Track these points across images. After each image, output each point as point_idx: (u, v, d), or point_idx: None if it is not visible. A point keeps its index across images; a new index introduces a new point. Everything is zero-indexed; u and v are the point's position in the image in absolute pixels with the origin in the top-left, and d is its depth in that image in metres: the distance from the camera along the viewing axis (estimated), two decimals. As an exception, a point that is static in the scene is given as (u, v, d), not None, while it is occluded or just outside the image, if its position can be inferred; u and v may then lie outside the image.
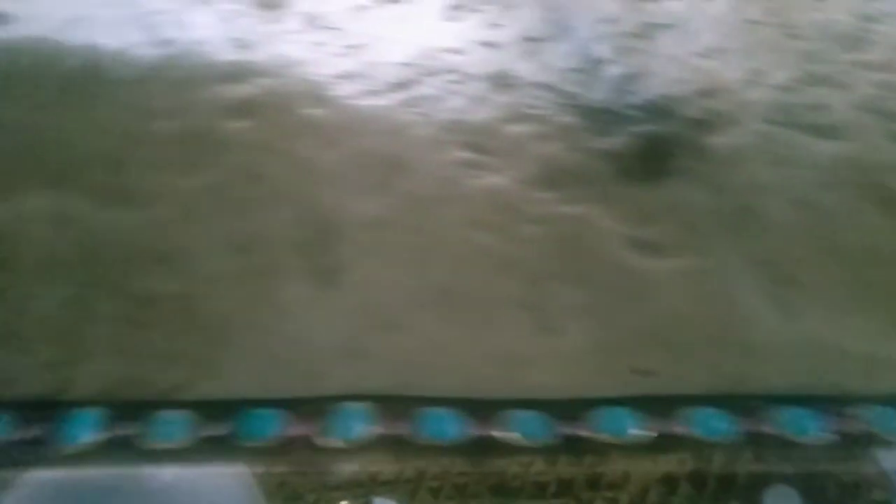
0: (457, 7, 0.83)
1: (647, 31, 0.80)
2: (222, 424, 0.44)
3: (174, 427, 0.43)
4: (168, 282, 0.55)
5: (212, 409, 0.45)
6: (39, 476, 0.45)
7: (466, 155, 0.65)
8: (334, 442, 0.43)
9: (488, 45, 0.77)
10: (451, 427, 0.42)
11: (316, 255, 0.57)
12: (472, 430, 0.43)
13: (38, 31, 0.76)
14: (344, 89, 0.71)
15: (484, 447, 0.42)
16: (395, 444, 0.43)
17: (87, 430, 0.43)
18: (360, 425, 0.43)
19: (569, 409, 0.46)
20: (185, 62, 0.73)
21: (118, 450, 0.43)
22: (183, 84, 0.71)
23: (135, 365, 0.50)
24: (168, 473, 0.41)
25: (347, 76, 0.73)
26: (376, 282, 0.55)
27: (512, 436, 0.42)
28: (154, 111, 0.69)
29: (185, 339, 0.52)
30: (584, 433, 0.46)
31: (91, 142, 0.66)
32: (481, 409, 0.44)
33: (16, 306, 0.53)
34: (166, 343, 0.52)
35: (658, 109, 0.71)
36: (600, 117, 0.67)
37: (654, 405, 0.48)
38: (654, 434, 0.46)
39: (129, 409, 0.45)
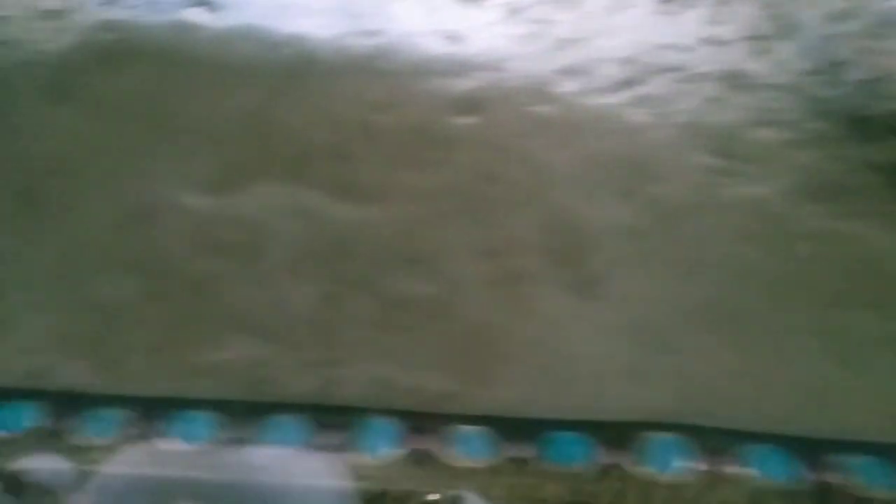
0: (670, 1, 0.79)
1: (885, 29, 0.74)
2: (524, 445, 0.41)
3: (474, 444, 0.41)
4: (420, 284, 0.53)
5: (504, 426, 0.43)
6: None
7: (714, 161, 0.60)
8: (656, 475, 0.39)
9: (712, 42, 0.72)
10: (783, 467, 0.38)
11: (569, 263, 0.54)
12: (806, 473, 0.39)
13: (247, 19, 0.75)
14: (568, 86, 0.68)
15: (825, 496, 0.38)
16: (726, 484, 0.39)
17: (384, 442, 0.42)
18: (676, 458, 0.40)
19: None
20: (399, 54, 0.71)
21: (416, 465, 0.41)
22: (400, 76, 0.69)
23: (398, 370, 0.49)
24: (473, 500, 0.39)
25: (568, 72, 0.69)
26: (640, 296, 0.52)
27: (856, 485, 0.38)
28: (374, 104, 0.67)
29: (447, 345, 0.50)
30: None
31: (317, 133, 0.65)
32: (808, 449, 0.40)
33: (275, 300, 0.51)
34: (427, 348, 0.49)
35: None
36: (859, 125, 0.62)
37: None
38: None
39: (419, 419, 0.43)
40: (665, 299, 0.51)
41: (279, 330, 0.50)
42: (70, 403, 0.46)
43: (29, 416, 0.44)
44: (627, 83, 0.69)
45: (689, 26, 0.76)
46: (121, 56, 0.71)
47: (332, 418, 0.45)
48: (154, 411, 0.45)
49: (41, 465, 0.42)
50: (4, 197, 0.57)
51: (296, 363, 0.49)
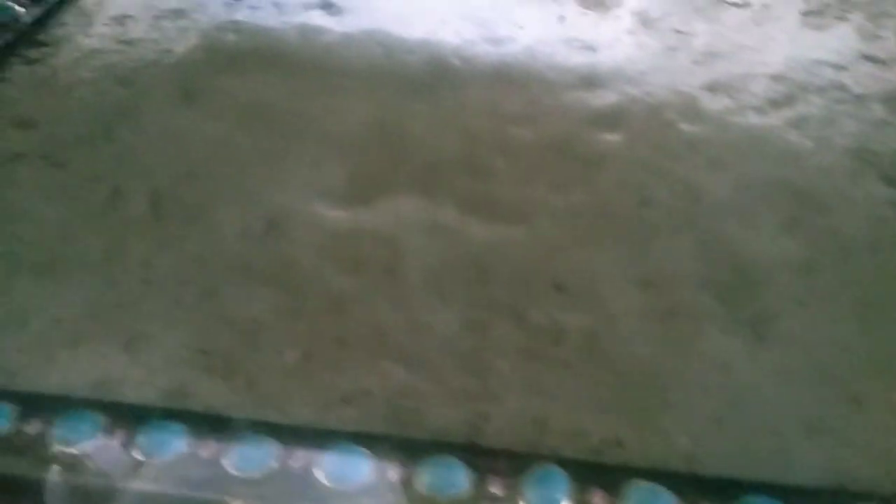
0: (818, 13, 0.73)
1: None
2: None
3: (655, 500, 0.37)
4: (570, 314, 0.49)
5: (682, 482, 0.38)
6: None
7: (890, 192, 0.55)
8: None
9: (872, 59, 0.66)
10: None
11: (736, 299, 0.49)
12: None
13: (372, 24, 0.73)
14: (717, 103, 0.63)
15: None
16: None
17: (551, 494, 0.38)
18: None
19: None
20: (533, 64, 0.67)
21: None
22: (536, 87, 0.65)
23: (555, 409, 0.45)
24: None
25: (716, 88, 0.64)
26: (819, 339, 0.47)
27: None
28: (508, 116, 0.63)
29: (607, 385, 0.45)
30: None
31: (449, 145, 0.61)
32: None
33: (415, 324, 0.48)
34: (585, 387, 0.45)
35: None
36: None
37: None
38: None
39: (585, 469, 0.39)
40: (847, 344, 0.46)
41: (422, 357, 0.47)
42: (213, 427, 0.44)
43: (175, 440, 0.42)
44: (782, 103, 0.63)
45: (842, 41, 0.70)
46: (246, 59, 0.69)
47: (488, 462, 0.41)
48: (301, 442, 0.42)
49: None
50: (135, 201, 0.56)
51: (442, 394, 0.45)
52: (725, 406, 0.44)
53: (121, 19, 0.75)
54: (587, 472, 0.39)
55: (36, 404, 0.44)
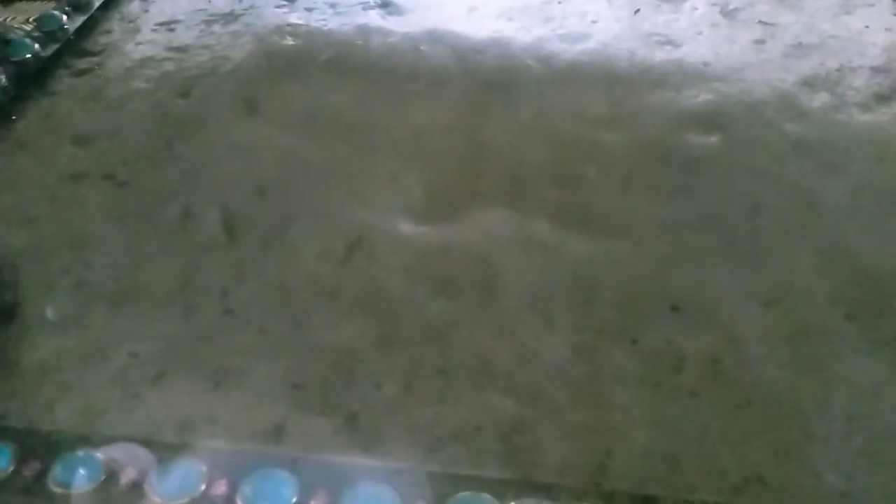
0: (912, -2, 0.69)
1: None
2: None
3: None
4: (690, 337, 0.45)
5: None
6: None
7: None
8: None
9: (979, 47, 0.62)
10: None
11: (869, 317, 0.45)
12: None
13: (433, 23, 0.69)
14: (817, 99, 0.59)
15: None
16: None
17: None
18: None
19: None
20: (612, 62, 0.63)
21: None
22: (618, 88, 0.61)
23: (684, 444, 0.41)
24: None
25: (813, 83, 0.60)
26: (968, 362, 0.43)
27: None
28: (594, 119, 0.59)
29: (740, 416, 0.41)
30: None
31: (533, 152, 0.57)
32: None
33: (521, 351, 0.45)
34: (716, 419, 0.42)
35: None
36: None
37: None
38: None
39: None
40: None
41: (532, 387, 0.44)
42: (319, 472, 0.40)
43: (282, 488, 0.39)
44: (887, 97, 0.59)
45: (944, 28, 0.66)
46: (307, 64, 0.65)
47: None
48: (417, 487, 0.39)
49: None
50: (208, 223, 0.52)
51: (559, 429, 0.42)
52: (876, 438, 0.40)
53: (169, 25, 0.72)
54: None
55: (125, 450, 0.41)
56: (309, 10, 0.70)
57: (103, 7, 0.75)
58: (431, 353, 0.46)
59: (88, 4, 0.75)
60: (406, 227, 0.53)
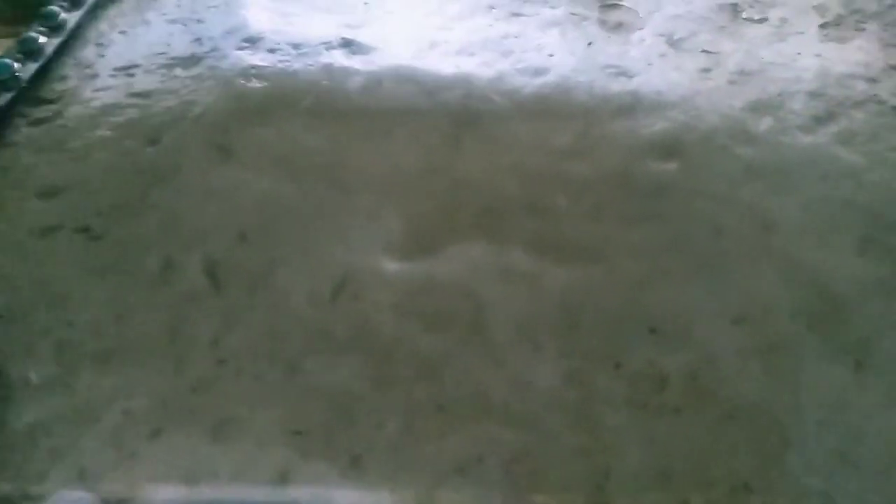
0: (835, 25, 0.74)
1: None
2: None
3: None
4: (669, 357, 0.48)
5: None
6: None
7: (952, 205, 0.56)
8: None
9: (899, 69, 0.68)
10: None
11: (829, 328, 0.49)
12: None
13: (398, 61, 0.70)
14: (763, 123, 0.63)
15: None
16: None
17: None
18: None
19: None
20: (572, 94, 0.66)
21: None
22: (580, 119, 0.64)
23: (676, 457, 0.43)
24: None
25: (757, 108, 0.64)
26: (920, 363, 0.47)
27: None
28: (560, 150, 0.62)
29: (723, 428, 0.44)
30: None
31: (505, 185, 0.59)
32: None
33: (515, 380, 0.46)
34: (702, 432, 0.44)
35: None
36: None
37: None
38: None
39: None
40: (951, 366, 0.46)
41: (528, 415, 0.45)
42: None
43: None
44: (824, 119, 0.64)
45: (866, 53, 0.71)
46: (277, 106, 0.65)
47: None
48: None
49: None
50: (190, 272, 0.52)
51: (557, 454, 0.44)
52: (846, 439, 0.44)
53: (128, 70, 0.71)
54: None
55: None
56: (272, 51, 0.71)
57: (57, 53, 0.73)
58: (428, 390, 0.48)
59: (41, 51, 0.73)
60: (390, 265, 0.54)
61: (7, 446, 0.44)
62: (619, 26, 0.76)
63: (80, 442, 0.44)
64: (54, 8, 0.78)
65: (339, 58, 0.70)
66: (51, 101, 0.69)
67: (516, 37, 0.74)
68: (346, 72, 0.69)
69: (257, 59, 0.70)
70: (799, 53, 0.71)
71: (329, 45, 0.72)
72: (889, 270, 0.52)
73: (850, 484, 0.42)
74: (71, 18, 0.79)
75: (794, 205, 0.56)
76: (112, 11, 0.81)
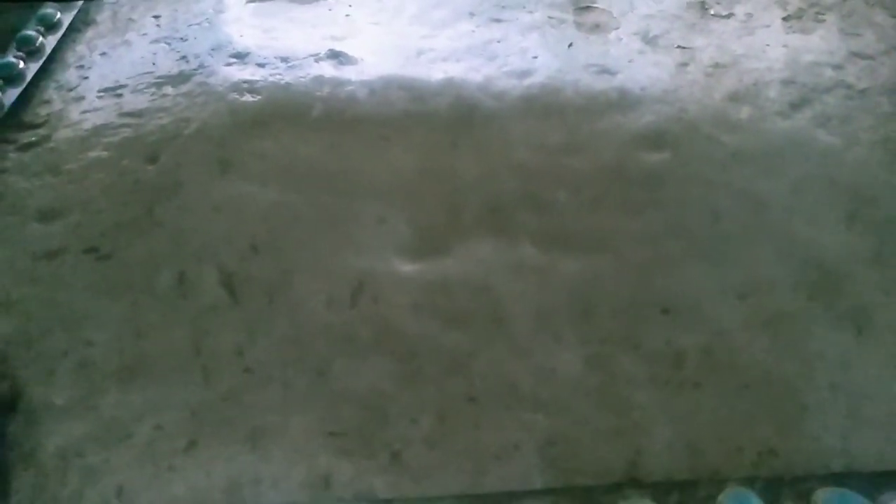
0: (797, 17, 0.78)
1: None
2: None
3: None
4: (684, 335, 0.50)
5: (860, 483, 0.40)
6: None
7: (926, 177, 0.60)
8: None
9: (861, 56, 0.72)
10: None
11: (828, 296, 0.52)
12: None
13: (387, 70, 0.72)
14: (743, 112, 0.66)
15: None
16: None
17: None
18: None
19: None
20: (560, 93, 0.69)
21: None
22: (571, 116, 0.66)
23: (701, 430, 0.45)
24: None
25: (736, 98, 0.68)
26: (913, 324, 0.50)
27: None
28: (555, 147, 0.64)
29: (742, 398, 0.47)
30: None
31: (505, 183, 0.61)
32: None
33: (540, 369, 0.48)
34: (720, 404, 0.46)
35: None
36: None
37: None
38: None
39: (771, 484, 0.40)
40: (941, 325, 0.50)
41: (557, 401, 0.47)
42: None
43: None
44: (799, 104, 0.68)
45: (829, 41, 0.75)
46: (273, 118, 0.66)
47: (661, 495, 0.41)
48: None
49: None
50: (206, 285, 0.52)
51: (590, 436, 0.45)
52: (855, 399, 0.46)
53: (115, 91, 0.70)
54: (772, 488, 0.41)
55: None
56: (261, 65, 0.71)
57: (37, 77, 0.72)
58: (457, 384, 0.49)
59: (21, 76, 0.72)
60: (404, 267, 0.55)
61: (38, 469, 0.43)
62: (596, 27, 0.79)
63: (113, 460, 0.44)
64: (31, 32, 0.78)
65: (328, 69, 0.71)
66: (36, 126, 0.68)
67: (499, 41, 0.76)
68: (337, 82, 0.69)
69: (247, 73, 0.70)
70: (767, 45, 0.75)
71: (317, 57, 0.72)
72: (873, 241, 0.55)
73: (865, 440, 0.44)
74: (48, 42, 0.78)
75: (782, 186, 0.59)
76: (89, 34, 0.80)
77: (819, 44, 0.76)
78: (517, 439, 0.45)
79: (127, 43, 0.78)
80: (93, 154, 0.63)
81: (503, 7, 0.82)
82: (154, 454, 0.44)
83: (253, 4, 0.83)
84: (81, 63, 0.76)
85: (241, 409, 0.46)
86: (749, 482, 0.41)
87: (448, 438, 0.45)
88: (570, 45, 0.76)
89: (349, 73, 0.72)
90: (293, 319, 0.51)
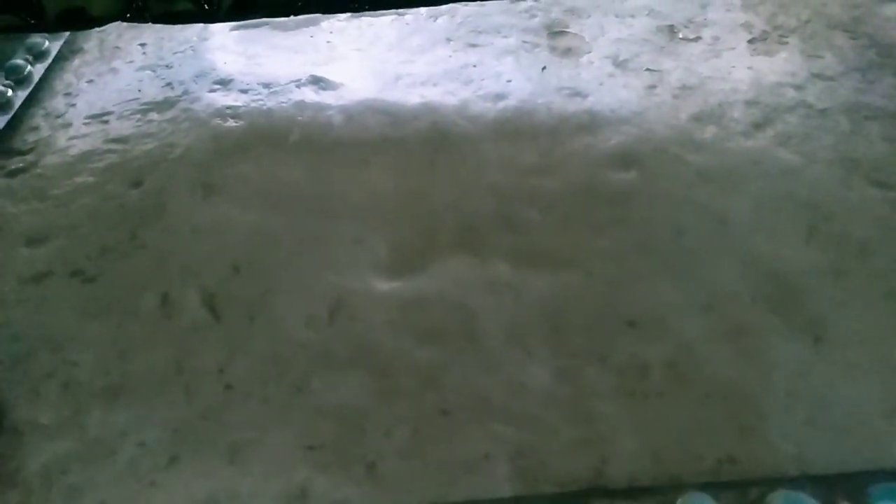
0: (762, 40, 0.81)
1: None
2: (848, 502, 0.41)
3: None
4: (648, 347, 0.52)
5: (818, 485, 0.42)
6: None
7: (881, 193, 0.62)
8: None
9: (821, 77, 0.75)
10: None
11: (787, 309, 0.54)
12: None
13: (366, 94, 0.74)
14: (708, 132, 0.68)
15: None
16: None
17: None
18: None
19: None
20: (532, 115, 0.71)
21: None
22: (543, 138, 0.68)
23: (663, 439, 0.47)
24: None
25: (701, 118, 0.70)
26: (868, 333, 0.52)
27: None
28: (527, 168, 0.66)
29: (703, 408, 0.48)
30: None
31: (479, 204, 0.63)
32: None
33: (510, 383, 0.50)
34: (682, 414, 0.48)
35: None
36: None
37: None
38: None
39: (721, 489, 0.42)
40: (890, 332, 0.52)
41: (526, 413, 0.49)
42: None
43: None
44: (761, 124, 0.70)
45: (791, 63, 0.78)
46: (254, 143, 0.68)
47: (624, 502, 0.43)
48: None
49: None
50: (189, 306, 0.54)
51: (558, 446, 0.47)
52: (812, 407, 0.48)
53: (101, 117, 0.73)
54: (728, 493, 0.43)
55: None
56: (244, 91, 0.73)
57: (26, 105, 0.74)
58: (431, 398, 0.50)
59: (9, 103, 0.74)
60: (380, 285, 0.57)
61: (22, 487, 0.45)
62: (568, 51, 0.82)
63: (96, 477, 0.45)
64: (19, 61, 0.80)
65: (310, 94, 0.74)
66: (24, 153, 0.70)
67: (475, 66, 0.78)
68: (319, 107, 0.72)
69: (230, 99, 0.73)
70: (733, 67, 0.78)
71: (299, 83, 0.75)
72: (831, 255, 0.57)
73: (821, 446, 0.46)
74: (37, 70, 0.80)
75: (744, 203, 0.62)
76: (76, 62, 0.82)
77: (782, 65, 0.79)
78: (488, 450, 0.47)
79: (113, 70, 0.80)
80: (79, 179, 0.65)
81: (479, 32, 0.85)
82: (137, 471, 0.45)
83: (237, 32, 0.86)
84: (69, 90, 0.78)
85: (222, 425, 0.48)
86: (707, 488, 0.43)
87: (421, 450, 0.47)
88: (544, 68, 0.79)
89: (329, 98, 0.74)
90: (273, 337, 0.53)
